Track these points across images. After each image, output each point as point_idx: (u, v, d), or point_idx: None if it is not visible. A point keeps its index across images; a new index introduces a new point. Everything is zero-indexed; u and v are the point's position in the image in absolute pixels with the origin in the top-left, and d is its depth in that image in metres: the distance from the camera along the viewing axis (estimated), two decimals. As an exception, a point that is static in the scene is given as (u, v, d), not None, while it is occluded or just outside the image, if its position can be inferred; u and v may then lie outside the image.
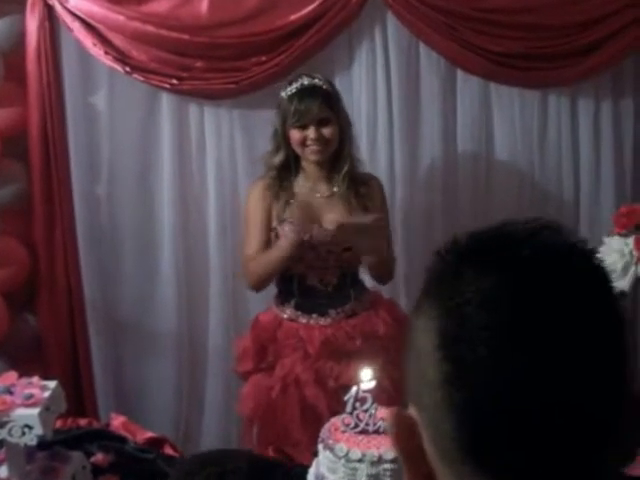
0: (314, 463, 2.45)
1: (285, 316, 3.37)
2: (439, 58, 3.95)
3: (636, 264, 2.82)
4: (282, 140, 3.31)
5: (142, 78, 3.85)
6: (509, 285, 0.87)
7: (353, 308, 3.35)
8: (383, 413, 2.40)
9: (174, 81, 3.84)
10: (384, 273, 3.42)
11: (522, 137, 4.05)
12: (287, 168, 3.34)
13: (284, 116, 3.28)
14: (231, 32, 3.82)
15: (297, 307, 3.35)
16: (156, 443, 3.15)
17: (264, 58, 3.83)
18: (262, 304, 3.95)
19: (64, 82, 3.92)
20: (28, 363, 3.80)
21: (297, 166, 3.36)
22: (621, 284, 2.83)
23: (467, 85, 4.00)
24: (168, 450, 3.14)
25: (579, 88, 4.03)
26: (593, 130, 4.05)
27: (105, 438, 3.14)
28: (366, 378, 2.44)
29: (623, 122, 4.06)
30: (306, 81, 3.29)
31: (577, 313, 0.87)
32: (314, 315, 3.33)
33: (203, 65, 3.84)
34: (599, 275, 0.91)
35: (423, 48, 3.95)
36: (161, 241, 4.06)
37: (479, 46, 3.88)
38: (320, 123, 3.25)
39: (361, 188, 3.35)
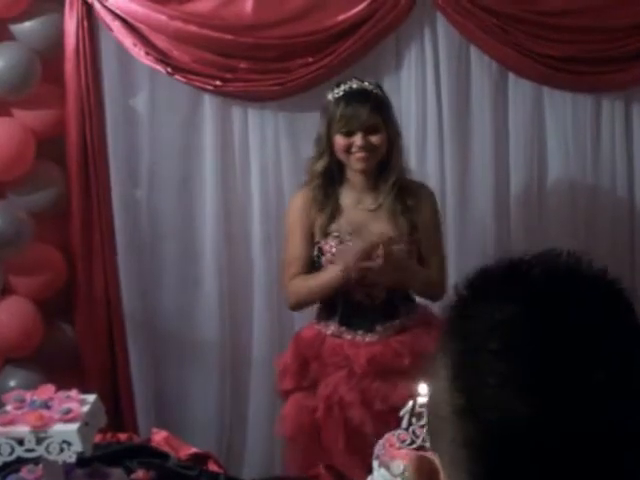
0: (368, 481, 2.34)
1: (329, 332, 3.17)
2: (490, 61, 3.82)
3: None
4: (326, 146, 3.12)
5: (184, 79, 3.74)
6: (520, 315, 0.87)
7: (402, 324, 3.15)
8: None
9: (218, 82, 3.72)
10: (434, 295, 3.23)
11: (575, 142, 3.91)
12: (331, 176, 3.15)
13: (330, 120, 3.10)
14: (276, 32, 3.70)
15: (342, 322, 3.14)
16: (200, 459, 3.03)
17: (310, 59, 3.71)
18: (309, 317, 3.87)
19: (103, 83, 3.81)
20: (64, 374, 3.70)
21: (341, 175, 3.18)
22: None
23: (519, 89, 3.87)
24: (212, 466, 3.01)
25: (633, 92, 3.90)
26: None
27: (146, 454, 3.03)
28: (423, 392, 2.33)
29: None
30: (355, 84, 3.11)
31: (595, 339, 0.85)
32: (360, 331, 3.13)
33: (247, 66, 3.72)
34: (616, 300, 0.89)
35: (474, 51, 3.83)
36: (203, 248, 3.92)
37: (532, 49, 3.76)
38: (367, 130, 3.05)
39: (409, 200, 3.15)
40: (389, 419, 2.97)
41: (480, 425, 0.85)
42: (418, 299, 3.29)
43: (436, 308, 3.29)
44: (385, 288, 3.11)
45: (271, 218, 3.89)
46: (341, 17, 3.69)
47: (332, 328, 3.16)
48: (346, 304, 3.13)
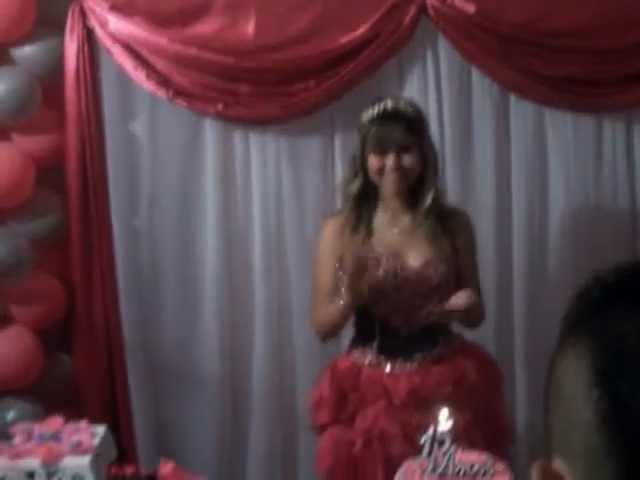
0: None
1: (366, 362, 3.07)
2: (492, 83, 3.80)
3: None
4: (360, 167, 3.07)
5: (186, 103, 3.70)
6: None
7: (440, 352, 3.07)
8: (462, 455, 2.24)
9: (220, 106, 3.68)
10: (474, 321, 3.18)
11: (576, 162, 3.89)
12: (365, 197, 3.10)
13: (363, 141, 3.05)
14: (278, 55, 3.67)
15: (380, 351, 3.05)
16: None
17: (313, 83, 3.67)
18: (308, 347, 3.85)
19: (103, 108, 3.77)
20: (64, 406, 3.62)
21: (376, 196, 3.12)
22: None
23: (520, 110, 3.85)
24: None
25: (634, 113, 3.88)
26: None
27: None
28: (443, 419, 2.30)
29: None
30: (389, 104, 3.05)
31: None
32: (399, 360, 3.04)
33: (249, 90, 3.68)
34: None
35: (475, 73, 3.81)
36: (203, 277, 3.87)
37: (533, 70, 3.74)
38: (400, 150, 3.00)
39: (447, 223, 3.10)
40: None
41: (626, 431, 0.81)
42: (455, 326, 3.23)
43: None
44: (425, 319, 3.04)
45: (272, 246, 3.85)
46: (343, 40, 3.66)
47: (369, 358, 3.07)
48: (383, 333, 3.05)
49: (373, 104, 3.11)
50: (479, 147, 3.86)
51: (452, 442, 2.31)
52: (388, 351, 3.05)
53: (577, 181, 3.90)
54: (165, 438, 3.92)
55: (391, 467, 2.88)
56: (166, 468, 3.03)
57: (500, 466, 2.29)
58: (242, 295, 3.90)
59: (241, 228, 3.88)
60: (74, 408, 3.63)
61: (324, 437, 3.11)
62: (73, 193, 3.74)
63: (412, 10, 3.68)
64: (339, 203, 3.75)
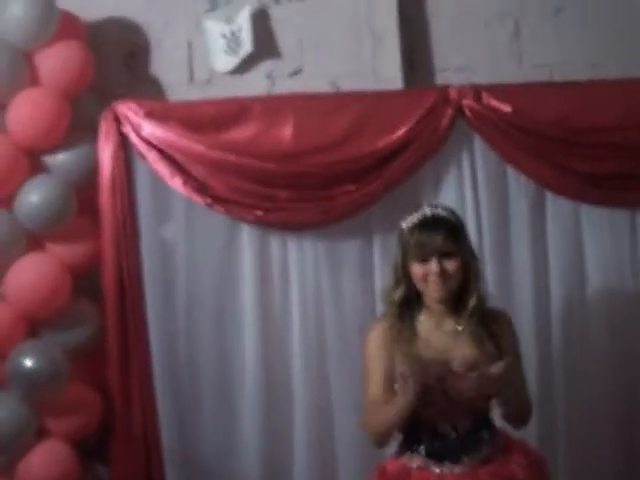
0: None
1: (414, 465, 3.05)
2: (527, 181, 3.81)
3: None
4: (402, 274, 3.07)
5: (224, 210, 3.67)
6: None
7: (487, 453, 3.05)
8: None
9: (259, 212, 3.67)
10: (523, 418, 3.16)
11: (612, 257, 3.90)
12: (409, 304, 3.10)
13: (405, 248, 3.06)
14: (317, 159, 3.65)
15: (428, 455, 3.04)
16: None
17: (353, 187, 3.67)
18: (349, 452, 3.82)
19: (139, 214, 3.74)
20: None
21: (419, 302, 3.12)
22: None
23: (556, 207, 3.86)
24: None
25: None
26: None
27: None
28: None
29: None
30: (429, 212, 3.07)
31: None
32: (446, 463, 3.02)
33: (288, 195, 3.66)
34: None
35: (511, 172, 3.82)
36: (242, 381, 3.82)
37: (569, 167, 3.76)
38: (443, 256, 3.01)
39: (491, 326, 3.10)
40: None
41: None
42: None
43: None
44: (470, 415, 3.03)
45: (312, 350, 3.82)
46: (382, 143, 3.66)
47: (417, 461, 3.05)
48: (430, 436, 3.03)
49: (413, 212, 3.13)
50: (517, 246, 3.86)
51: None
52: (436, 455, 3.04)
53: (614, 276, 3.90)
54: None
55: None
56: None
57: None
58: (281, 400, 3.84)
59: (280, 332, 3.83)
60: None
61: None
62: (109, 301, 3.70)
63: (449, 112, 3.69)
64: (379, 307, 3.74)
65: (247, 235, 3.77)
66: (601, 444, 3.94)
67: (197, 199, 3.66)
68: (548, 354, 3.87)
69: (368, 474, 3.27)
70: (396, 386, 3.02)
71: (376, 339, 3.10)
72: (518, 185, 3.83)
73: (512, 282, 3.86)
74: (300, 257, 3.79)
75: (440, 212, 3.09)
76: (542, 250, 3.88)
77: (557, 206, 3.86)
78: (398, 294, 3.09)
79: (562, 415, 3.90)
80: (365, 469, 3.61)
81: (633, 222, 3.92)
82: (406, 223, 3.09)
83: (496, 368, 2.90)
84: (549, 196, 3.85)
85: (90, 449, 3.73)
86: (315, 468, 3.86)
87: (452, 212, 3.13)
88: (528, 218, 3.85)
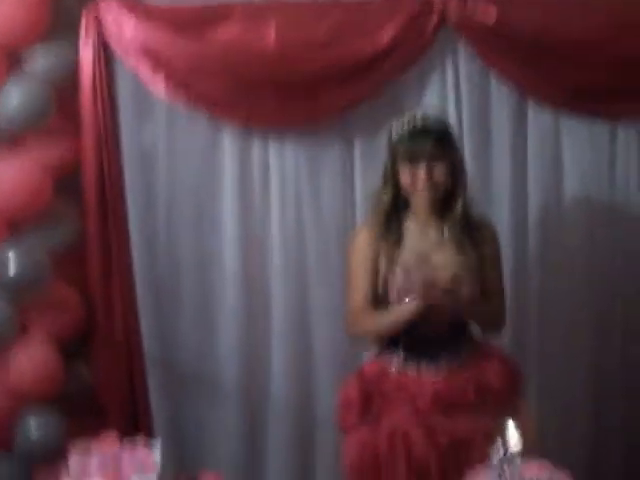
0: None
1: (393, 367, 3.16)
2: (510, 88, 3.81)
3: None
4: (391, 179, 3.16)
5: (207, 111, 3.64)
6: None
7: (465, 359, 3.16)
8: (530, 468, 2.28)
9: (242, 113, 3.64)
10: (496, 327, 3.30)
11: (591, 166, 3.93)
12: (396, 207, 3.17)
13: (394, 154, 3.14)
14: (301, 62, 3.61)
15: (406, 358, 3.14)
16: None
17: (337, 90, 3.65)
18: (327, 352, 3.89)
19: (120, 115, 3.71)
20: (84, 417, 3.60)
21: (407, 206, 3.18)
22: None
23: (537, 115, 3.87)
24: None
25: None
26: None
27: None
28: (513, 439, 2.30)
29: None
30: (420, 118, 3.15)
31: None
32: (424, 367, 3.13)
33: (272, 98, 3.63)
34: None
35: (494, 79, 3.81)
36: (222, 284, 3.86)
37: (552, 76, 3.75)
38: (431, 162, 3.09)
39: (475, 233, 3.18)
40: (453, 454, 3.05)
41: None
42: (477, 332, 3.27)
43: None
44: (448, 321, 3.12)
45: (291, 254, 3.85)
46: (366, 48, 3.63)
47: (396, 363, 3.15)
48: (409, 340, 3.13)
49: (403, 118, 3.19)
50: (496, 153, 3.88)
51: (520, 456, 2.31)
52: (414, 358, 3.14)
53: (591, 184, 3.94)
54: (186, 444, 3.89)
55: (414, 467, 3.06)
56: (208, 478, 2.96)
57: (564, 476, 2.29)
58: (260, 303, 3.88)
59: (259, 236, 3.85)
60: (95, 418, 3.62)
61: (350, 438, 3.19)
62: (91, 202, 3.68)
63: (433, 18, 3.67)
64: (359, 210, 3.79)
65: (229, 138, 3.76)
66: (572, 356, 4.01)
67: (179, 101, 3.63)
68: (524, 261, 3.91)
69: (346, 378, 3.34)
70: (381, 286, 3.10)
71: (361, 244, 3.18)
72: (500, 93, 3.82)
73: (491, 188, 3.87)
74: (281, 160, 3.79)
75: (431, 119, 3.16)
76: (521, 158, 3.89)
77: (538, 116, 3.86)
78: (386, 198, 3.17)
79: (535, 323, 3.97)
80: (342, 373, 3.68)
81: (613, 134, 3.93)
82: (397, 128, 3.16)
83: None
84: (530, 105, 3.85)
85: (73, 350, 3.73)
86: (292, 373, 3.91)
87: (443, 120, 3.22)
88: (509, 126, 3.85)
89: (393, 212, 3.17)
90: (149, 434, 3.75)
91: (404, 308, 3.05)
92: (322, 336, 3.90)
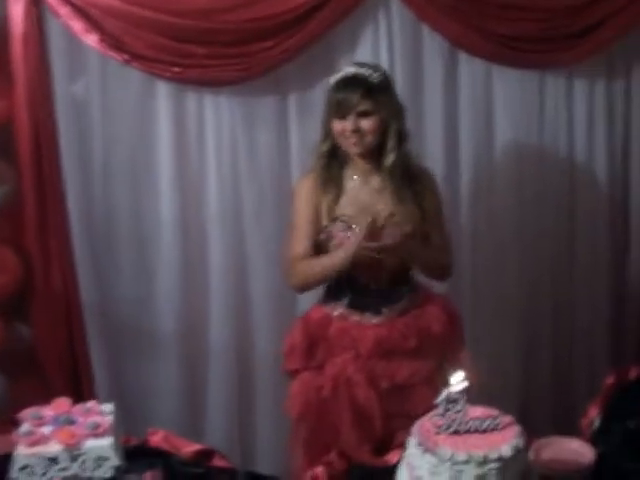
0: (404, 467, 2.34)
1: (336, 314, 3.22)
2: (442, 40, 3.85)
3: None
4: (328, 130, 3.18)
5: (141, 67, 3.62)
6: None
7: (405, 305, 3.23)
8: (475, 412, 2.36)
9: (176, 69, 3.62)
10: (441, 274, 3.37)
11: (521, 114, 4.02)
12: (335, 158, 3.21)
13: (328, 105, 3.17)
14: (234, 16, 3.60)
15: (349, 305, 3.20)
16: (204, 455, 2.95)
17: (270, 44, 3.65)
18: (271, 301, 3.94)
19: (53, 72, 3.66)
20: (24, 375, 3.60)
21: (346, 157, 3.21)
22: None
23: (469, 66, 3.94)
24: (218, 462, 2.94)
25: (575, 70, 4.01)
26: (587, 109, 4.07)
27: (148, 455, 2.93)
28: (457, 380, 2.37)
29: (615, 100, 4.09)
30: (352, 70, 3.17)
31: None
32: (367, 313, 3.19)
33: (206, 52, 3.61)
34: None
35: (426, 30, 3.84)
36: (159, 237, 3.88)
37: (483, 27, 3.80)
38: (360, 114, 3.11)
39: (414, 184, 3.22)
40: (394, 398, 3.14)
41: None
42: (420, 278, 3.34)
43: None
44: (390, 270, 3.17)
45: (227, 204, 3.87)
46: (298, 1, 3.62)
47: (339, 310, 3.22)
48: (353, 288, 3.19)
49: (340, 70, 3.22)
50: (429, 103, 3.94)
51: (464, 401, 2.38)
52: (357, 305, 3.21)
53: (521, 131, 4.04)
54: (128, 397, 3.90)
55: (357, 409, 3.14)
56: (156, 436, 2.99)
57: (507, 419, 2.37)
58: (197, 252, 3.92)
59: (195, 188, 3.87)
60: (36, 377, 3.62)
61: (295, 382, 3.26)
62: (25, 158, 3.62)
63: (367, -31, 3.68)
64: (294, 161, 3.85)
65: (164, 92, 3.74)
66: (504, 299, 4.12)
67: (113, 56, 3.60)
68: (456, 207, 3.99)
69: (283, 328, 3.42)
70: (322, 236, 3.13)
71: (302, 194, 3.22)
72: (432, 44, 3.87)
73: (424, 137, 3.92)
74: (216, 113, 3.79)
75: (364, 71, 3.16)
76: (454, 108, 3.97)
77: (470, 66, 3.93)
78: (324, 148, 3.20)
79: (469, 263, 4.06)
80: (280, 319, 3.81)
81: (542, 83, 4.03)
82: (332, 80, 3.19)
83: (391, 238, 3.03)
84: (462, 56, 3.91)
85: (12, 310, 3.70)
86: (231, 323, 3.96)
87: (379, 70, 3.21)
88: (441, 76, 3.92)
89: (333, 162, 3.20)
90: (91, 392, 3.77)
91: (336, 256, 3.10)
92: (259, 283, 3.96)
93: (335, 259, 3.11)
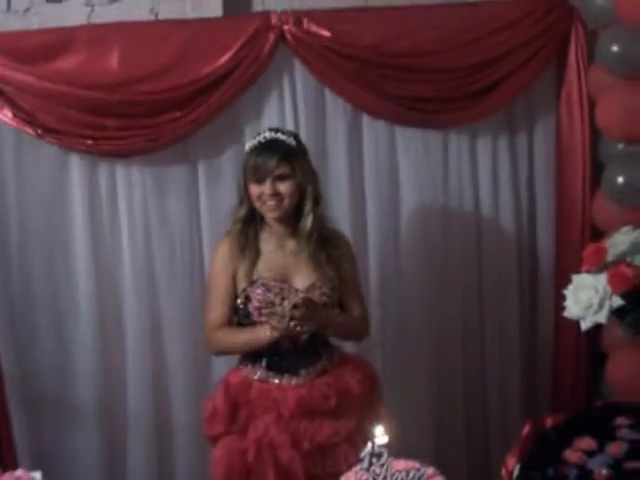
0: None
1: (256, 377, 3.26)
2: (345, 103, 3.96)
3: (610, 298, 2.91)
4: (244, 194, 3.26)
5: (54, 140, 3.69)
6: None
7: (323, 366, 3.29)
8: (398, 465, 2.40)
9: (89, 142, 3.69)
10: (359, 336, 3.49)
11: (426, 176, 4.11)
12: (252, 223, 3.28)
13: (244, 170, 3.24)
14: (143, 88, 3.70)
15: (268, 367, 3.25)
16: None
17: (178, 114, 3.74)
18: (187, 366, 3.98)
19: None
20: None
21: (262, 221, 3.29)
22: (598, 317, 2.93)
23: (372, 128, 4.03)
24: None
25: (477, 126, 4.12)
26: (491, 166, 4.17)
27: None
28: (380, 434, 2.44)
29: (519, 156, 4.20)
30: (268, 135, 3.25)
31: None
32: (286, 375, 3.24)
33: (117, 124, 3.70)
34: None
35: (329, 95, 3.96)
36: (76, 311, 3.92)
37: (385, 90, 3.92)
38: (277, 179, 3.19)
39: (330, 248, 3.30)
40: (317, 458, 3.19)
41: None
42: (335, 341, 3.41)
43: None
44: (309, 334, 3.22)
45: (142, 271, 3.92)
46: (206, 70, 3.73)
47: (259, 373, 3.26)
48: (271, 350, 3.23)
49: (256, 135, 3.31)
50: (334, 165, 4.01)
51: (388, 454, 2.44)
52: (275, 367, 3.26)
53: (427, 189, 4.13)
54: (49, 466, 3.83)
55: (281, 471, 3.17)
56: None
57: (431, 470, 2.44)
58: (114, 324, 3.95)
59: (109, 259, 3.92)
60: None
61: (218, 447, 3.28)
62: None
63: (271, 37, 3.79)
64: (205, 226, 3.93)
65: (77, 165, 3.81)
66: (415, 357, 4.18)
67: (27, 130, 3.66)
68: (364, 270, 4.01)
69: (200, 391, 3.54)
70: (239, 301, 3.20)
71: (218, 259, 3.29)
72: (335, 107, 3.96)
73: (329, 200, 3.94)
74: (128, 183, 3.86)
75: (279, 136, 3.25)
76: (358, 169, 4.05)
77: (373, 127, 4.02)
78: (241, 213, 3.27)
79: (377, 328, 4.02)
80: (197, 382, 3.89)
81: (445, 142, 4.12)
82: (248, 145, 3.27)
83: (293, 300, 3.11)
84: (366, 117, 4.01)
85: None
86: (148, 390, 3.98)
87: (294, 136, 3.30)
88: (345, 138, 4.00)
89: (250, 227, 3.27)
90: (14, 460, 3.74)
91: (260, 333, 3.18)
92: (175, 349, 3.99)
93: (260, 336, 3.17)
